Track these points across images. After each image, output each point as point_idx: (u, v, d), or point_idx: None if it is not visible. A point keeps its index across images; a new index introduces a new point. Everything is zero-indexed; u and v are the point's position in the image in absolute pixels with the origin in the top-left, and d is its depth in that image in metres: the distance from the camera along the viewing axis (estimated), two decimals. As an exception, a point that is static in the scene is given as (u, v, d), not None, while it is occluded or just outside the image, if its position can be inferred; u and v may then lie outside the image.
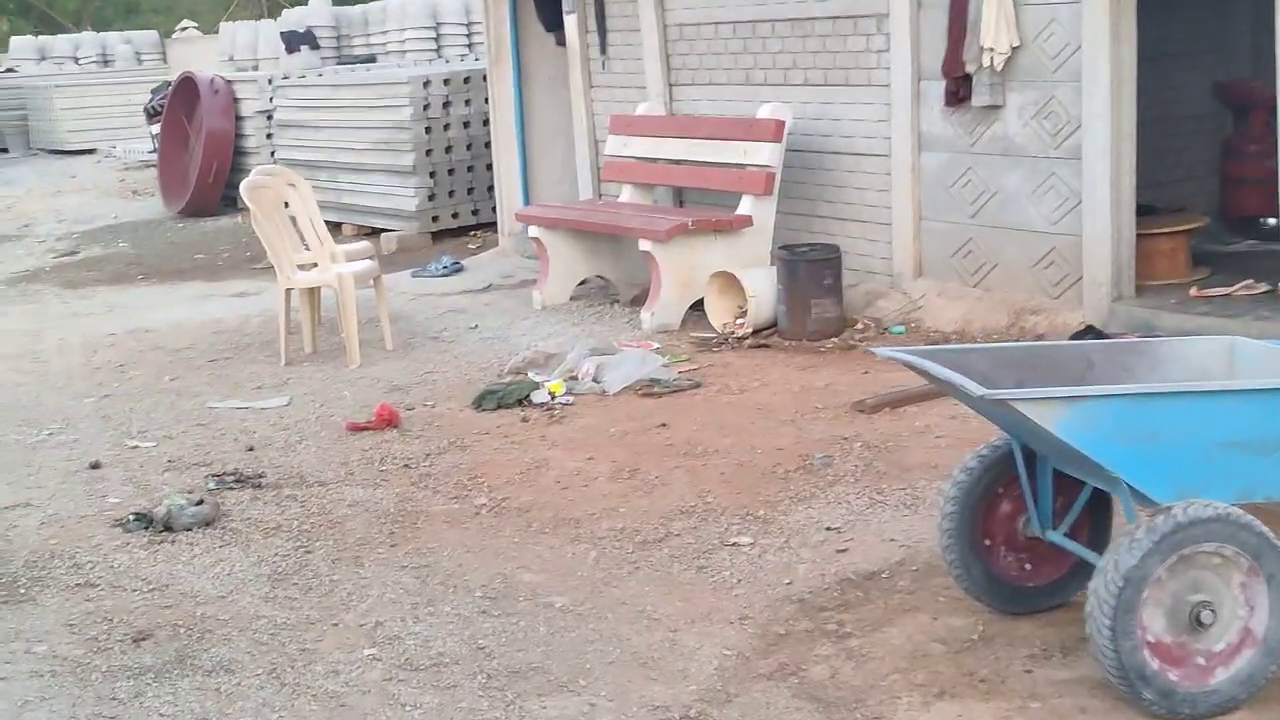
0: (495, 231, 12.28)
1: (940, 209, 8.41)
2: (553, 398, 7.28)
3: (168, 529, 5.70)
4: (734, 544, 5.23)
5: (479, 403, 7.30)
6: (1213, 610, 3.70)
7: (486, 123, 12.42)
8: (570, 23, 10.77)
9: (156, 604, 5.00)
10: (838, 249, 8.45)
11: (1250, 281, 7.64)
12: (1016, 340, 7.73)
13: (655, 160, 9.84)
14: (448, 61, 16.87)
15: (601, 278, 9.86)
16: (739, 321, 8.47)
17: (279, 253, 8.50)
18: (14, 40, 29.78)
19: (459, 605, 4.84)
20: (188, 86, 16.11)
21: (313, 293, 8.75)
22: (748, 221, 8.81)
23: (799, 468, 6.01)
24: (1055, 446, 3.88)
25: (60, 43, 28.68)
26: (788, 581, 4.86)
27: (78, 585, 5.21)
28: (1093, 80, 7.47)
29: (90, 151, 23.10)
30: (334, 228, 11.64)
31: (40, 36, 30.27)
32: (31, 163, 23.16)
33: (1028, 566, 4.41)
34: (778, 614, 4.60)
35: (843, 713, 3.95)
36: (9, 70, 27.18)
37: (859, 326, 8.34)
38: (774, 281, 8.39)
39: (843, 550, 5.09)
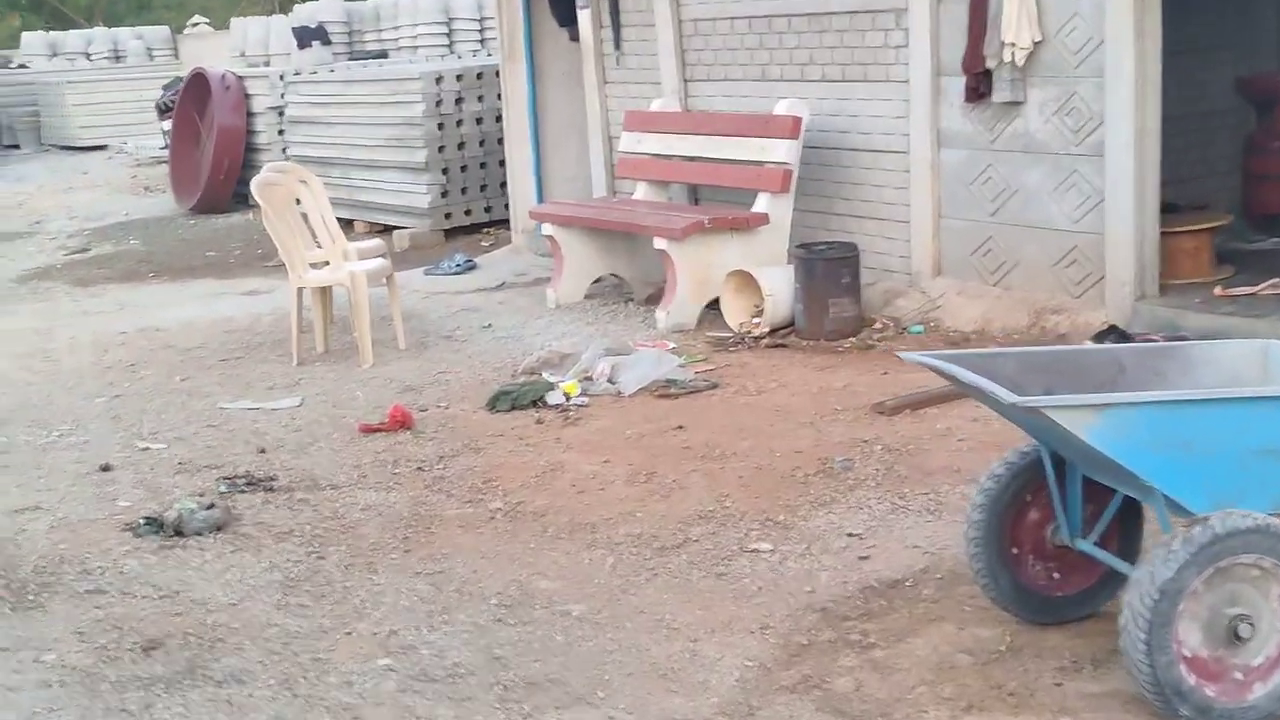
0: (508, 228, 12.19)
1: (960, 206, 8.30)
2: (568, 399, 7.19)
3: (178, 533, 5.62)
4: (754, 550, 5.13)
5: (493, 404, 7.21)
6: (1251, 624, 3.60)
7: (499, 119, 12.33)
8: (584, 18, 10.68)
9: (167, 611, 4.92)
10: (856, 247, 8.35)
11: (1276, 280, 7.52)
12: (1037, 340, 7.64)
13: (670, 157, 9.74)
14: (460, 57, 16.78)
15: (616, 276, 9.76)
16: (755, 321, 8.37)
17: (291, 251, 8.42)
18: (25, 36, 29.73)
19: (474, 613, 4.75)
20: (199, 82, 16.04)
21: (325, 291, 8.67)
22: (764, 219, 8.71)
23: (819, 471, 5.91)
24: (1087, 454, 3.78)
25: (72, 38, 28.61)
26: (809, 589, 4.76)
27: (87, 592, 5.13)
28: (1116, 76, 7.36)
29: (102, 148, 23.05)
30: (346, 225, 11.53)
31: (52, 32, 30.20)
32: (43, 159, 23.13)
33: (1056, 576, 4.31)
34: (800, 623, 4.51)
35: (868, 727, 3.86)
36: (21, 66, 27.15)
37: (877, 326, 8.24)
38: (791, 280, 8.29)
39: (865, 557, 4.99)
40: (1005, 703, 3.92)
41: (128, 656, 4.57)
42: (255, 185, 8.48)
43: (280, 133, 15.23)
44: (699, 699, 4.07)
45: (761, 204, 8.77)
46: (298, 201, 8.64)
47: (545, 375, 7.60)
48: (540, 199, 11.49)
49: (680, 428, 6.67)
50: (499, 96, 12.17)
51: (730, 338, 8.32)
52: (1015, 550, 4.27)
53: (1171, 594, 3.52)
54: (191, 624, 4.79)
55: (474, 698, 4.16)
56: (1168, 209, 7.78)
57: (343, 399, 7.59)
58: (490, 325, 9.16)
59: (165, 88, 19.55)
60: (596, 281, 9.71)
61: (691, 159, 9.59)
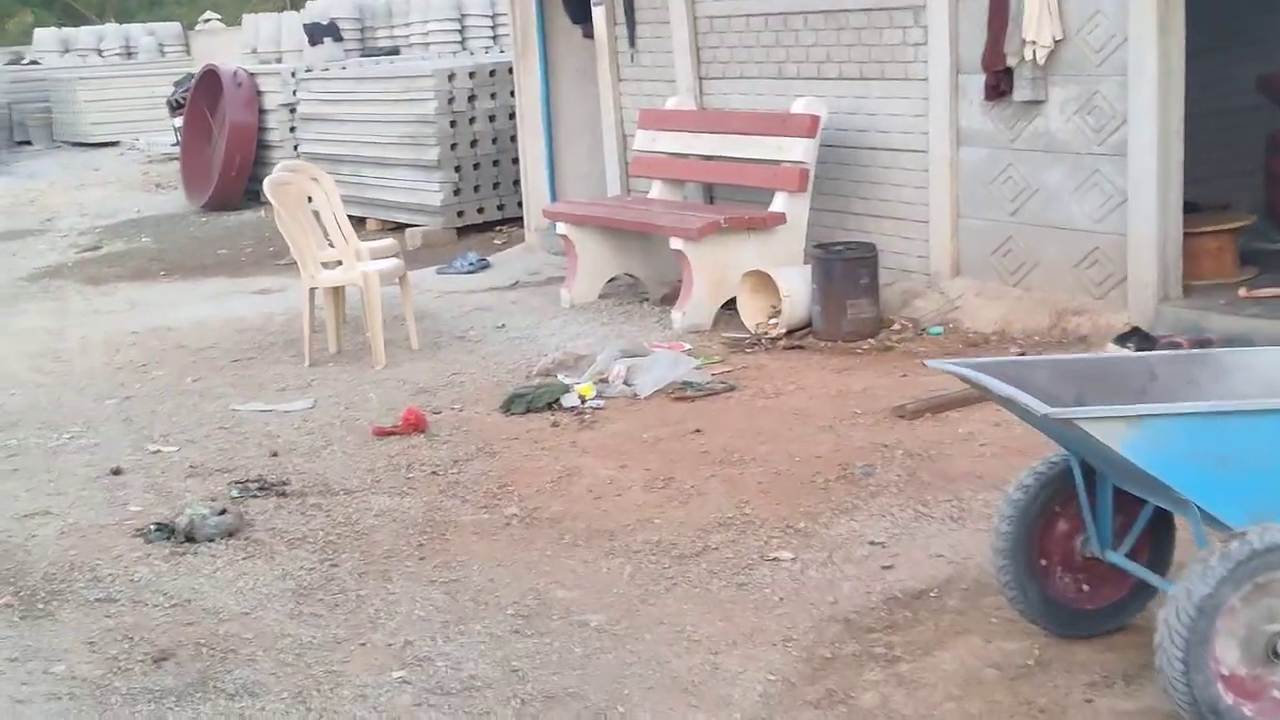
0: (521, 227, 12.11)
1: (979, 206, 8.19)
2: (583, 401, 7.11)
3: (190, 540, 5.55)
4: (774, 559, 5.04)
5: (508, 406, 7.12)
6: (1290, 641, 3.50)
7: (512, 116, 12.25)
8: (598, 15, 10.59)
9: (178, 621, 4.84)
10: (874, 247, 8.25)
11: (1302, 281, 7.42)
12: (1059, 341, 7.54)
13: (686, 156, 9.65)
14: (472, 54, 16.69)
15: (630, 275, 9.67)
16: (772, 322, 8.28)
17: (303, 250, 8.35)
18: (38, 32, 29.69)
19: (491, 624, 4.67)
20: (211, 79, 15.97)
21: (337, 291, 8.59)
22: (781, 219, 8.61)
23: (839, 477, 5.81)
24: (1120, 466, 3.68)
25: (84, 34, 28.59)
26: (832, 600, 4.67)
27: (97, 600, 5.06)
28: (1139, 74, 7.24)
29: (113, 144, 23.02)
30: (357, 222, 11.51)
31: (64, 28, 30.18)
32: (55, 155, 23.10)
33: (1085, 588, 4.21)
34: (823, 635, 4.42)
35: (895, 744, 3.78)
36: (33, 62, 27.11)
37: (895, 327, 8.14)
38: (808, 281, 8.19)
39: (888, 566, 4.89)
40: (1035, 720, 3.83)
41: (138, 668, 4.50)
42: (268, 184, 8.40)
43: (292, 130, 15.17)
44: (722, 715, 3.99)
45: (778, 203, 8.68)
46: (309, 199, 8.58)
47: (560, 377, 7.51)
48: (553, 197, 11.41)
49: (698, 431, 6.58)
50: (512, 94, 12.09)
51: (747, 339, 8.23)
52: (1044, 562, 4.17)
53: (1209, 611, 3.42)
54: (203, 634, 4.72)
55: (491, 712, 4.08)
56: (1189, 209, 7.66)
57: (356, 401, 7.51)
58: (504, 325, 9.08)
59: (177, 84, 19.51)
60: (611, 281, 9.61)
61: (707, 158, 9.50)
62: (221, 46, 24.13)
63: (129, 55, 27.10)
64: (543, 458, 6.37)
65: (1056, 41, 7.58)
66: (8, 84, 25.35)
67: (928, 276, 8.49)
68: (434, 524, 5.64)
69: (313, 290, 8.35)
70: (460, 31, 18.18)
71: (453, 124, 12.51)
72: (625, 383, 7.31)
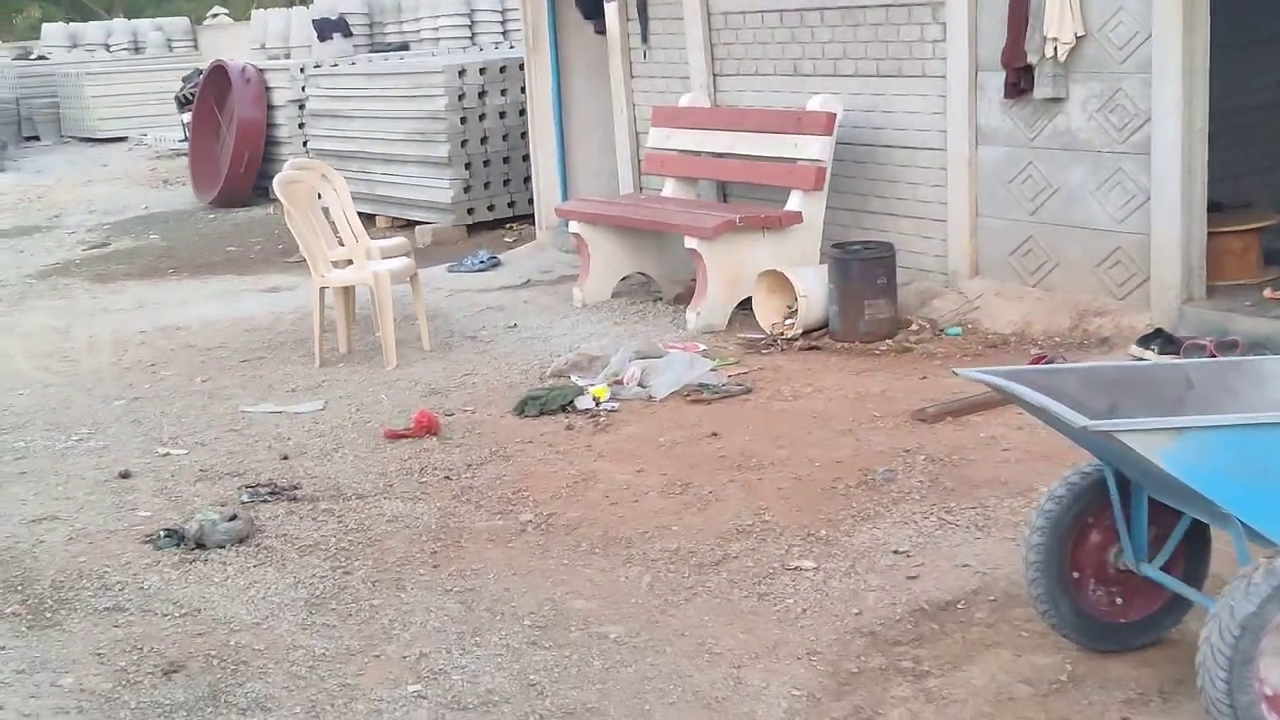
0: (532, 224, 12.00)
1: (998, 205, 8.08)
2: (597, 404, 7.01)
3: (200, 546, 5.45)
4: (796, 568, 4.93)
5: (521, 409, 7.02)
6: (1336, 661, 3.39)
7: (523, 113, 12.13)
8: (611, 10, 10.47)
9: (189, 631, 4.74)
10: (892, 247, 8.13)
11: (1329, 282, 7.30)
12: (1080, 343, 7.43)
13: (699, 153, 9.53)
14: (482, 49, 16.59)
15: (643, 274, 9.56)
16: (788, 322, 8.17)
17: (313, 250, 8.25)
18: (45, 27, 29.65)
19: (507, 635, 4.56)
20: (219, 75, 15.88)
21: (347, 291, 8.49)
22: (797, 218, 8.50)
23: (860, 483, 5.71)
24: (1159, 478, 3.57)
25: (92, 30, 28.53)
26: (856, 611, 4.56)
27: (106, 609, 4.96)
28: (1163, 72, 7.13)
29: (121, 140, 22.94)
30: (367, 219, 11.40)
31: (71, 23, 30.13)
32: (63, 151, 23.02)
33: (1119, 601, 4.10)
34: (848, 648, 4.31)
35: (925, 764, 3.67)
36: (40, 57, 27.05)
37: (913, 328, 8.02)
38: (825, 280, 8.08)
39: (913, 577, 4.78)
40: (1069, 738, 3.73)
41: (148, 680, 4.40)
42: (277, 182, 8.31)
43: (301, 126, 15.08)
44: (746, 732, 3.89)
45: (794, 202, 8.56)
46: (319, 197, 8.48)
47: (574, 379, 7.41)
48: (565, 195, 11.30)
49: (714, 435, 6.47)
50: (522, 90, 11.97)
51: (762, 339, 8.12)
52: (1076, 574, 4.06)
53: (1253, 630, 3.32)
54: (214, 645, 4.62)
55: (509, 728, 3.99)
56: (1211, 208, 7.53)
57: (367, 402, 7.41)
58: (516, 325, 8.97)
59: (185, 80, 19.45)
60: (624, 280, 9.50)
61: (721, 155, 9.38)
62: (230, 42, 24.05)
63: (137, 50, 27.04)
64: (557, 462, 6.27)
65: (1078, 38, 7.47)
66: (15, 79, 25.28)
67: (945, 276, 8.38)
68: (448, 530, 5.54)
69: (323, 290, 8.25)
70: (470, 27, 18.08)
71: (463, 120, 12.41)
72: (640, 384, 7.21)
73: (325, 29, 17.82)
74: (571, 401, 7.03)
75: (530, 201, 12.12)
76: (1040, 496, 4.95)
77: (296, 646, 4.57)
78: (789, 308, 8.23)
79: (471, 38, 17.97)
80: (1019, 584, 4.52)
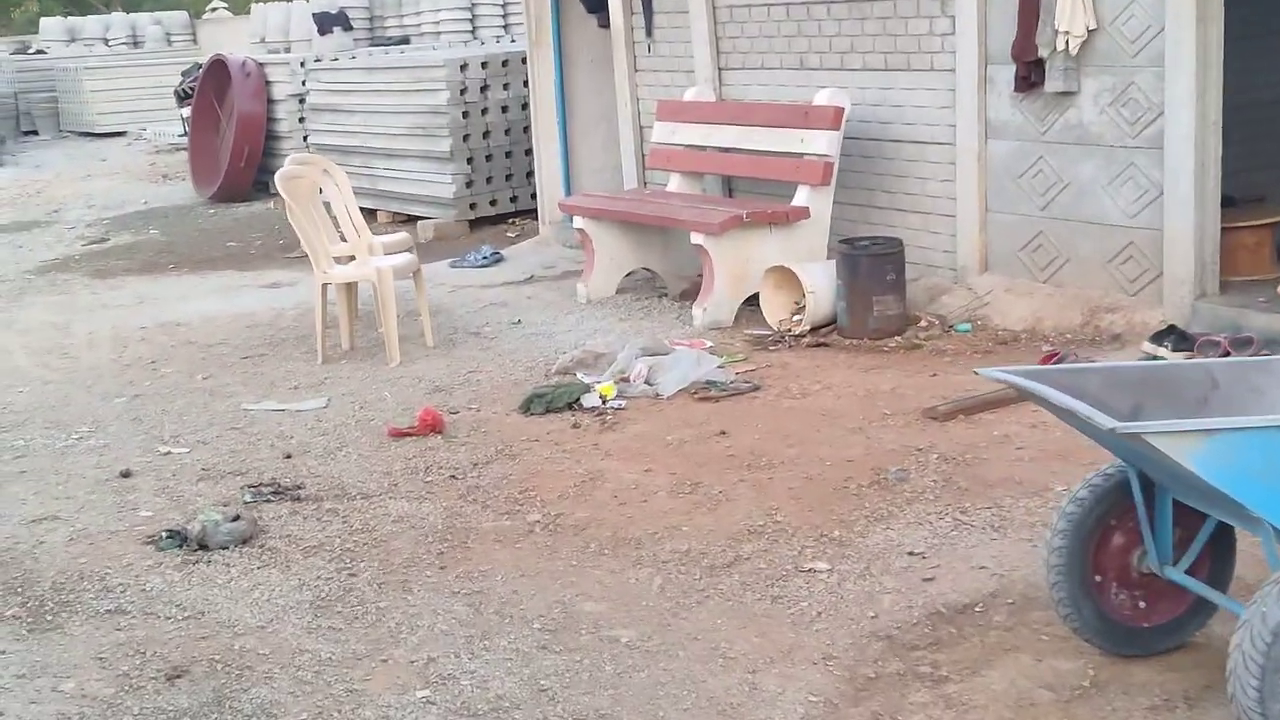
0: (535, 219, 11.92)
1: (1008, 200, 7.99)
2: (604, 401, 6.92)
3: (202, 547, 5.36)
4: (810, 570, 4.85)
5: (527, 406, 6.94)
6: (1370, 668, 3.31)
7: (525, 107, 12.06)
8: (614, 4, 10.39)
9: (192, 635, 4.66)
10: (901, 242, 8.04)
11: (1344, 278, 7.21)
12: (1091, 339, 7.35)
13: (704, 148, 9.44)
14: (483, 43, 16.50)
15: (648, 270, 9.48)
16: (796, 318, 8.09)
17: (315, 245, 8.16)
18: (44, 21, 29.53)
19: (517, 639, 4.48)
20: (219, 69, 15.78)
21: (350, 287, 8.40)
22: (804, 213, 8.41)
23: (872, 482, 5.62)
24: (1187, 480, 3.49)
25: (90, 24, 28.40)
26: (872, 615, 4.48)
27: (108, 612, 4.88)
28: (1176, 65, 7.04)
29: (120, 134, 22.84)
30: (368, 214, 11.31)
31: (70, 18, 30.01)
32: (61, 145, 22.92)
33: (1142, 605, 4.02)
34: (864, 653, 4.23)
35: (946, 772, 3.59)
36: (39, 52, 26.94)
37: (922, 324, 7.93)
38: (833, 276, 7.99)
39: (929, 579, 4.70)
40: (1093, 745, 3.65)
41: (151, 685, 4.31)
42: (279, 178, 8.21)
43: (301, 120, 14.98)
44: (762, 739, 3.81)
45: (801, 197, 8.48)
46: (321, 192, 8.39)
47: (579, 376, 7.33)
48: (568, 189, 11.21)
49: (723, 433, 6.39)
50: (525, 84, 11.88)
51: (770, 336, 8.04)
52: (1098, 578, 3.98)
53: (1286, 637, 3.23)
54: (218, 649, 4.53)
55: (520, 735, 3.90)
56: (1224, 202, 7.45)
57: (370, 400, 7.33)
58: (520, 321, 8.89)
59: (184, 74, 19.35)
60: (628, 275, 9.42)
61: (727, 150, 9.29)
62: (229, 36, 23.96)
63: (136, 45, 26.92)
64: (564, 461, 6.19)
65: (1090, 31, 7.38)
66: (14, 74, 25.18)
67: (955, 272, 8.29)
68: (454, 531, 5.45)
69: (325, 286, 8.16)
70: (471, 21, 17.98)
71: (465, 115, 12.31)
72: (647, 382, 7.12)
73: (325, 23, 17.73)
74: (578, 399, 6.95)
75: (532, 196, 12.04)
76: (1057, 497, 4.91)
77: (302, 651, 4.49)
78: (796, 304, 8.14)
79: (472, 31, 17.87)
80: (1037, 586, 4.45)
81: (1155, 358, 6.73)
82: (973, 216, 8.13)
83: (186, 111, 17.24)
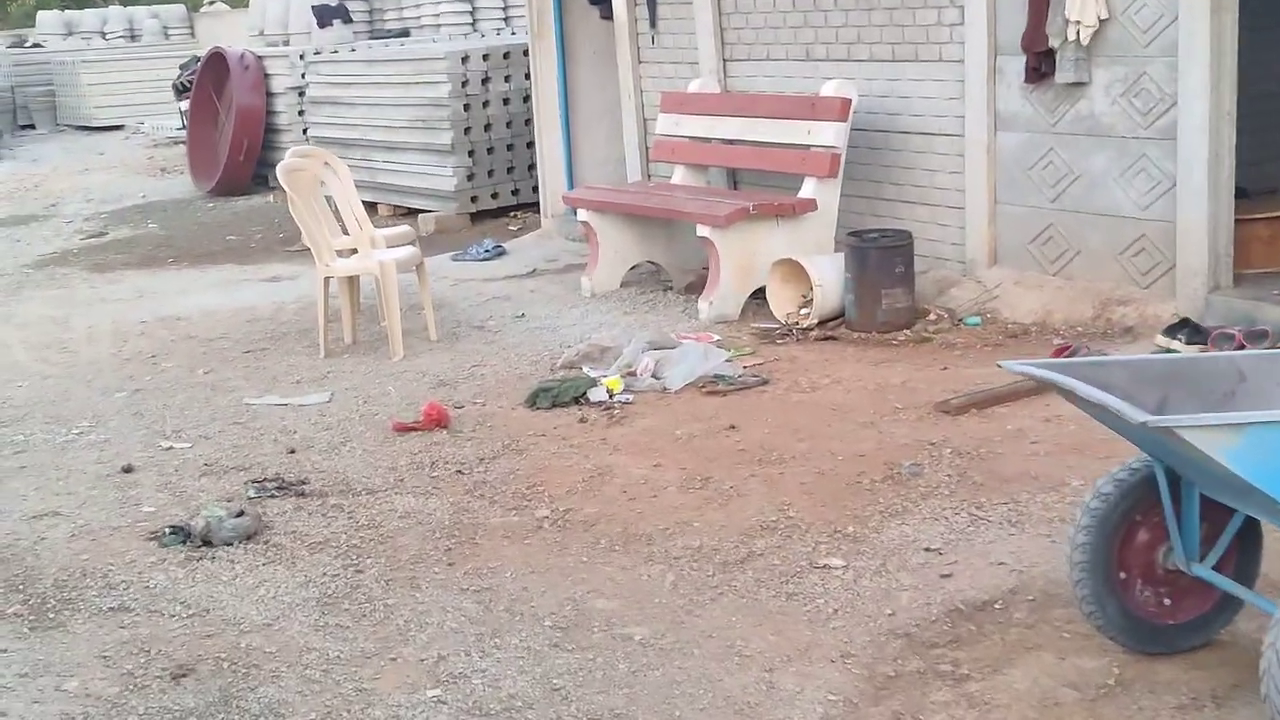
0: (537, 212, 11.84)
1: (1018, 192, 7.91)
2: (611, 396, 6.84)
3: (206, 543, 5.28)
4: (825, 566, 4.77)
5: (533, 401, 6.85)
6: (1406, 667, 3.23)
7: (526, 99, 11.97)
8: (618, -5, 10.30)
9: (197, 632, 4.57)
10: (910, 235, 7.96)
11: (1359, 271, 7.13)
12: (1103, 332, 7.27)
13: (709, 140, 9.36)
14: (483, 35, 16.40)
15: (653, 263, 9.39)
16: (803, 312, 8.01)
17: (317, 239, 8.07)
18: (41, 15, 29.38)
19: (528, 637, 4.40)
20: (217, 62, 15.68)
21: (352, 280, 8.32)
22: (811, 205, 8.33)
23: (886, 477, 5.54)
24: (1217, 475, 3.41)
25: (87, 17, 28.27)
26: (890, 612, 4.40)
27: (111, 609, 4.79)
28: (1189, 55, 6.96)
29: (118, 128, 22.73)
30: (369, 208, 11.17)
31: (67, 11, 29.88)
32: (59, 139, 22.81)
33: (1167, 602, 3.94)
34: (883, 651, 4.15)
35: (970, 773, 3.51)
36: (36, 45, 26.81)
37: (931, 317, 7.86)
38: (841, 269, 7.91)
39: (947, 575, 4.62)
40: (1120, 746, 3.57)
41: (156, 684, 4.23)
42: (280, 170, 8.12)
43: (301, 113, 14.88)
44: (781, 739, 3.73)
45: (808, 189, 8.39)
46: (322, 183, 8.31)
47: (586, 370, 7.25)
48: (570, 182, 11.12)
49: (732, 427, 6.31)
50: (527, 76, 11.80)
51: (777, 329, 7.96)
52: (1123, 575, 3.90)
53: (1321, 635, 3.16)
54: (224, 647, 4.45)
55: (534, 735, 3.83)
56: (1237, 194, 7.37)
57: (374, 394, 7.24)
58: (523, 315, 8.80)
59: (183, 67, 19.23)
60: (633, 269, 9.34)
61: (732, 142, 9.21)
62: (227, 29, 23.84)
63: (133, 38, 26.80)
64: (572, 455, 6.10)
65: (1101, 21, 7.30)
66: (11, 67, 25.06)
67: (963, 265, 8.21)
68: (462, 527, 5.37)
69: (327, 279, 8.07)
70: (471, 13, 17.88)
71: (466, 108, 12.22)
72: (654, 376, 7.04)
73: (325, 15, 17.62)
74: (584, 393, 6.86)
75: (534, 189, 11.96)
76: (1074, 491, 4.84)
77: (309, 649, 4.41)
78: (804, 297, 8.07)
79: (473, 24, 17.78)
80: (1057, 583, 4.38)
81: (1169, 351, 6.65)
82: (982, 209, 8.05)
83: (185, 105, 17.13)
